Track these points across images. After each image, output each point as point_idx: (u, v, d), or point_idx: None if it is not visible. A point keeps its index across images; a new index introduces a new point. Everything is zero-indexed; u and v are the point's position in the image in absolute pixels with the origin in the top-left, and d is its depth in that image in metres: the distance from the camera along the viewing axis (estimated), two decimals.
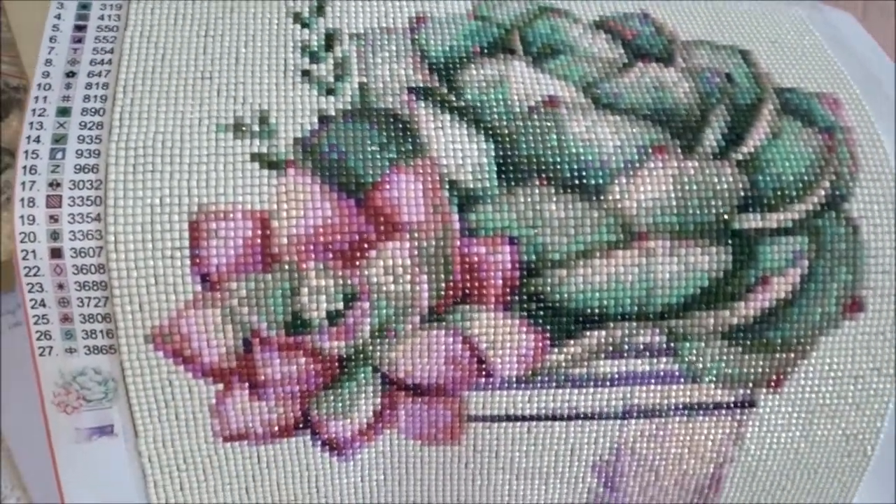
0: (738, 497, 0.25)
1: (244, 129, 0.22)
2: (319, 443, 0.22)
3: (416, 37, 0.24)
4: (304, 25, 0.24)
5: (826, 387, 0.24)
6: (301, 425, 0.22)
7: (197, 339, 0.21)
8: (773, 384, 0.24)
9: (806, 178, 0.24)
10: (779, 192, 0.23)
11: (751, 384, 0.24)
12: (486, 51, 0.24)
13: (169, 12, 0.24)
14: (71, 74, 0.22)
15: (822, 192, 0.24)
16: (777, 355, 0.23)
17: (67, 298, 0.20)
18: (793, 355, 0.23)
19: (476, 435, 0.23)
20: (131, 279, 0.20)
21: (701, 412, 0.24)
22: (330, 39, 0.24)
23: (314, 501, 0.23)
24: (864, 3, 0.35)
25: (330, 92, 0.23)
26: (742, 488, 0.25)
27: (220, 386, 0.21)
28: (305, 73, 0.23)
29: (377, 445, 0.23)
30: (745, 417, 0.24)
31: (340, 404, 0.22)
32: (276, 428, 0.22)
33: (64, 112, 0.22)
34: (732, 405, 0.24)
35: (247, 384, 0.21)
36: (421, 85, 0.23)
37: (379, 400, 0.22)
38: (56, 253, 0.20)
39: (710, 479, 0.25)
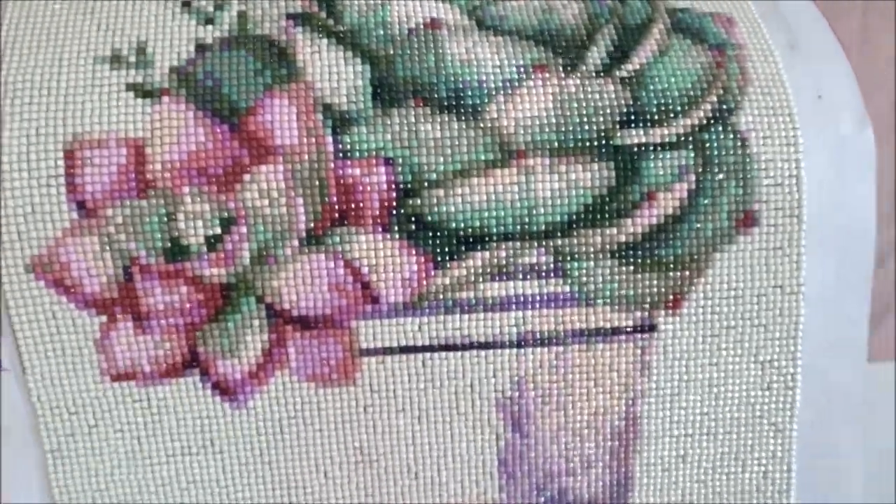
0: (662, 441, 0.25)
1: (121, 59, 0.22)
2: (210, 385, 0.22)
3: None
4: None
5: (727, 307, 0.23)
6: (189, 363, 0.22)
7: (77, 268, 0.21)
8: (670, 305, 0.23)
9: (692, 92, 0.23)
10: (662, 107, 0.23)
11: (647, 306, 0.23)
12: None
13: None
14: None
15: (709, 107, 0.23)
16: (671, 273, 0.23)
17: None
18: (687, 273, 0.23)
19: (371, 372, 0.23)
20: (9, 208, 0.21)
21: (599, 338, 0.23)
22: None
23: (209, 454, 0.23)
24: (864, 3, 0.34)
25: (209, 21, 0.23)
26: (663, 428, 0.24)
27: (104, 318, 0.21)
28: (186, 3, 0.23)
29: (269, 391, 0.23)
30: (647, 343, 0.24)
31: (227, 340, 0.22)
32: (164, 366, 0.22)
33: None
34: (631, 329, 0.23)
35: (130, 316, 0.21)
36: (300, 11, 0.23)
37: (266, 336, 0.22)
38: None
39: (625, 419, 0.24)
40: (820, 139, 0.24)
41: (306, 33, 0.23)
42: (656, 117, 0.23)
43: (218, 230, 0.21)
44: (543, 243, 0.22)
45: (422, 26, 0.23)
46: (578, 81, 0.23)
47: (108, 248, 0.21)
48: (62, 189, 0.21)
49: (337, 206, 0.22)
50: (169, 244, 0.21)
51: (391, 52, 0.23)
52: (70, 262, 0.21)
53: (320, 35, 0.23)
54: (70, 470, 0.23)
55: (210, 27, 0.23)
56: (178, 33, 0.23)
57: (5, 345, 0.22)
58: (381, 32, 0.23)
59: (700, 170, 0.23)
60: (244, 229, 0.22)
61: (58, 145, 0.21)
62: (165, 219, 0.21)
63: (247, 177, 0.22)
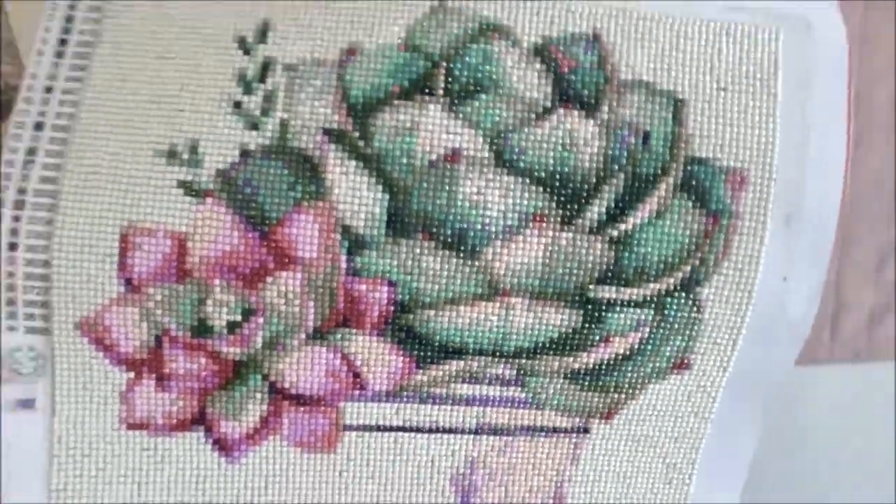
0: None
1: (176, 155, 0.25)
2: (211, 441, 0.27)
3: (343, 72, 0.26)
4: (246, 52, 0.26)
5: (650, 421, 0.28)
6: (197, 421, 0.26)
7: (116, 331, 0.25)
8: (604, 416, 0.28)
9: (670, 261, 0.26)
10: (639, 271, 0.26)
11: (586, 415, 0.28)
12: (405, 91, 0.26)
13: (140, 30, 0.26)
14: (49, 90, 0.25)
15: (680, 276, 0.26)
16: (610, 395, 0.28)
17: (14, 285, 0.25)
18: (623, 396, 0.28)
19: (350, 443, 0.27)
20: (68, 276, 0.25)
21: (543, 433, 0.28)
22: (265, 69, 0.26)
23: (200, 502, 0.27)
24: (864, 3, 0.34)
25: (254, 127, 0.25)
26: None
27: (132, 374, 0.26)
28: (237, 104, 0.25)
29: (261, 451, 0.27)
30: (580, 441, 0.28)
31: (232, 405, 0.26)
32: (175, 420, 0.26)
33: (38, 127, 0.25)
34: (569, 430, 0.28)
35: (154, 375, 0.26)
36: (335, 127, 0.25)
37: (266, 406, 0.26)
38: (13, 247, 0.25)
39: (554, 498, 0.29)
40: (766, 318, 0.27)
41: (338, 151, 0.25)
42: (630, 279, 0.26)
43: (239, 318, 0.26)
44: (510, 361, 0.27)
45: (441, 159, 0.25)
46: (571, 236, 0.26)
47: (145, 318, 0.25)
48: (114, 266, 0.25)
49: (342, 312, 0.26)
50: (196, 323, 0.25)
51: (410, 183, 0.25)
52: (112, 325, 0.25)
53: (350, 156, 0.25)
54: None
55: (255, 133, 0.25)
56: (226, 135, 0.25)
57: (43, 389, 0.26)
58: (405, 161, 0.25)
59: (655, 324, 0.26)
60: (261, 320, 0.26)
61: (115, 229, 0.25)
62: (196, 303, 0.25)
63: (269, 278, 0.25)
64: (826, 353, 0.33)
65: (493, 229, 0.25)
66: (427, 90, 0.26)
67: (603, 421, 0.28)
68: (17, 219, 0.25)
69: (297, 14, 0.26)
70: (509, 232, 0.26)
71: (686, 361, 0.27)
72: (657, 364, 0.27)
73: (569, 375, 0.27)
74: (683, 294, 0.26)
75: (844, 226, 0.32)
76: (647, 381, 0.27)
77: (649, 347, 0.27)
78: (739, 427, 0.29)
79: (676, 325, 0.27)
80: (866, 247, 0.33)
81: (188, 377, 0.26)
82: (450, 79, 0.26)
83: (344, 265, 0.25)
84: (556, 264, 0.26)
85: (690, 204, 0.26)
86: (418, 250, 0.25)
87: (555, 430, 0.28)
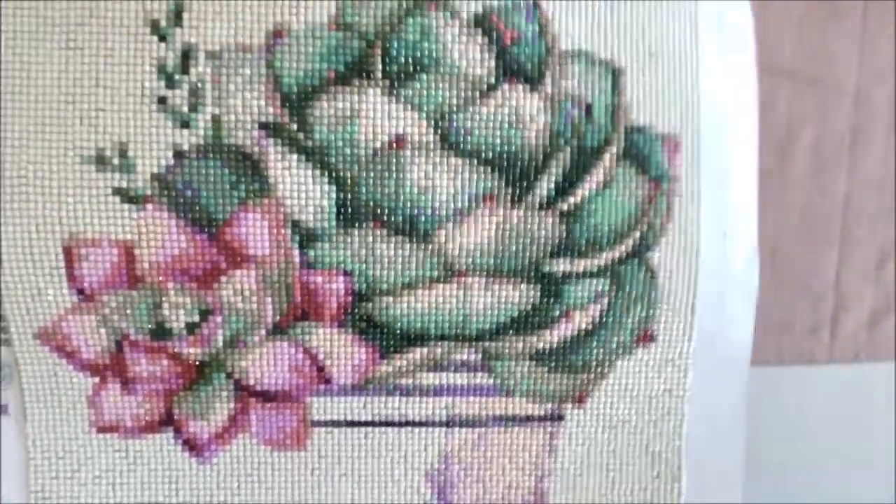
0: None
1: (105, 161, 0.24)
2: (181, 441, 0.27)
3: (272, 58, 0.24)
4: (162, 38, 0.24)
5: (624, 404, 0.28)
6: (165, 422, 0.27)
7: (76, 339, 0.25)
8: (576, 400, 0.28)
9: (619, 229, 0.26)
10: (591, 242, 0.26)
11: (557, 400, 0.28)
12: (341, 75, 0.25)
13: (31, 14, 0.24)
14: None
15: (631, 243, 0.26)
16: (579, 375, 0.28)
17: None
18: (592, 376, 0.28)
19: (320, 440, 0.28)
20: (18, 291, 0.25)
21: (516, 424, 0.28)
22: (186, 59, 0.24)
23: (174, 502, 0.28)
24: (864, 3, 0.34)
25: (185, 125, 0.24)
26: None
27: (97, 379, 0.26)
28: (162, 99, 0.24)
29: (232, 450, 0.27)
30: (555, 430, 0.28)
31: (198, 405, 0.26)
32: (143, 422, 0.27)
33: None
34: (543, 417, 0.28)
35: (118, 379, 0.26)
36: (272, 120, 0.24)
37: (232, 405, 0.27)
38: None
39: (534, 494, 0.29)
40: (716, 274, 0.27)
41: (277, 146, 0.24)
42: (583, 250, 0.26)
43: (197, 318, 0.25)
44: (474, 345, 0.27)
45: (386, 146, 0.25)
46: (522, 213, 0.26)
47: (103, 325, 0.25)
48: (63, 278, 0.24)
49: (301, 306, 0.26)
50: (154, 326, 0.25)
51: (356, 174, 0.25)
52: (71, 333, 0.25)
53: (290, 150, 0.24)
54: None
55: (186, 131, 0.24)
56: (156, 136, 0.24)
57: (14, 395, 0.26)
58: (349, 151, 0.25)
59: (613, 294, 0.27)
60: (220, 319, 0.26)
61: (56, 242, 0.24)
62: (152, 306, 0.25)
63: (223, 278, 0.25)
64: (826, 353, 0.34)
65: (444, 212, 0.25)
66: (364, 73, 0.25)
67: (576, 405, 0.28)
68: None
69: None
70: (460, 214, 0.25)
71: (649, 332, 0.27)
72: (621, 337, 0.27)
73: (534, 356, 0.27)
74: (636, 260, 0.27)
75: (844, 226, 0.34)
76: (613, 356, 0.27)
77: (611, 319, 0.27)
78: (723, 410, 0.29)
79: (634, 294, 0.27)
80: (866, 247, 0.34)
81: (152, 380, 0.26)
82: (387, 59, 0.25)
83: (297, 259, 0.25)
84: (509, 242, 0.26)
85: (633, 171, 0.26)
86: (371, 239, 0.25)
87: (528, 418, 0.28)
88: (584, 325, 0.27)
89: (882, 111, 0.34)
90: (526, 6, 0.26)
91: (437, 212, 0.25)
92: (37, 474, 0.27)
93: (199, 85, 0.24)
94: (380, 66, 0.25)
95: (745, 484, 0.29)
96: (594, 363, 0.27)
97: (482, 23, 0.25)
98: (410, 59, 0.25)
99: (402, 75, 0.25)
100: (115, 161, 0.24)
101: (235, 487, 0.28)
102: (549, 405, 0.28)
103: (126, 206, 0.24)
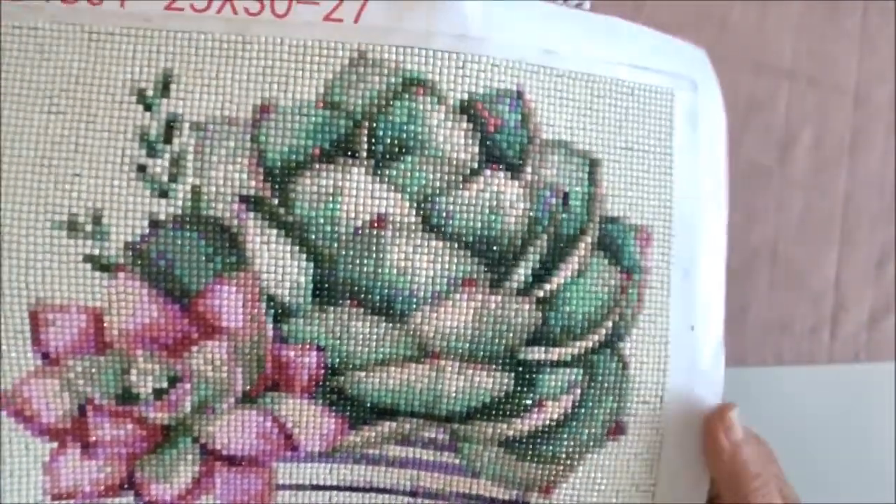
0: None
1: (77, 228, 0.23)
2: (142, 503, 0.26)
3: (257, 132, 0.24)
4: (147, 108, 0.24)
5: (591, 497, 0.28)
6: (126, 485, 0.26)
7: (37, 402, 0.25)
8: (543, 490, 0.28)
9: (593, 317, 0.26)
10: (566, 330, 0.26)
11: (524, 488, 0.28)
12: (326, 153, 0.24)
13: (15, 76, 0.23)
14: None
15: (604, 332, 0.26)
16: (548, 466, 0.27)
17: None
18: (562, 468, 0.28)
19: (285, 501, 0.27)
20: None
21: (479, 503, 0.28)
22: (170, 129, 0.24)
23: None
24: (864, 3, 0.35)
25: (163, 194, 0.24)
26: None
27: (55, 444, 0.25)
28: (141, 168, 0.24)
29: None
30: None
31: (162, 468, 0.26)
32: (104, 487, 0.26)
33: None
34: (507, 502, 0.28)
35: (79, 444, 0.25)
36: (253, 193, 0.24)
37: (198, 468, 0.26)
38: None
39: None
40: (684, 369, 0.27)
41: (257, 220, 0.24)
42: (558, 338, 0.26)
43: (165, 385, 0.25)
44: (443, 425, 0.27)
45: (367, 225, 0.24)
46: (499, 299, 0.25)
47: (66, 389, 0.25)
48: (28, 342, 0.24)
49: (271, 377, 0.25)
50: (121, 391, 0.25)
51: (335, 251, 0.24)
52: (32, 397, 0.25)
53: (270, 224, 0.24)
54: None
55: (164, 201, 0.24)
56: (132, 205, 0.23)
57: None
58: (329, 229, 0.24)
59: (586, 385, 0.27)
60: (188, 386, 0.25)
61: (22, 307, 0.24)
62: (120, 372, 0.25)
63: (194, 347, 0.25)
64: (826, 353, 0.34)
65: (422, 294, 0.25)
66: (349, 152, 0.24)
67: (542, 495, 0.28)
68: None
69: (201, 63, 0.24)
70: (438, 296, 0.25)
71: (620, 425, 0.27)
72: (592, 429, 0.27)
73: (504, 443, 0.27)
74: (608, 350, 0.27)
75: (844, 226, 0.34)
76: (584, 449, 0.27)
77: (583, 411, 0.27)
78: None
79: (606, 384, 0.27)
80: (866, 247, 0.34)
81: (115, 443, 0.26)
82: (373, 139, 0.24)
83: (271, 333, 0.25)
84: (485, 327, 0.26)
85: (607, 262, 0.26)
86: (346, 316, 0.25)
87: (492, 500, 0.28)
88: (556, 416, 0.27)
89: (882, 111, 0.35)
90: (510, 96, 0.26)
91: (415, 293, 0.25)
92: None
93: (181, 155, 0.24)
94: (365, 146, 0.24)
95: None
96: (564, 455, 0.27)
97: (467, 109, 0.25)
98: (396, 141, 0.24)
99: (387, 156, 0.24)
100: (88, 228, 0.24)
101: None
102: (516, 492, 0.28)
103: (97, 273, 0.24)
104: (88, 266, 0.24)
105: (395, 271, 0.25)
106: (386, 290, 0.25)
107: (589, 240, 0.26)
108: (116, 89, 0.24)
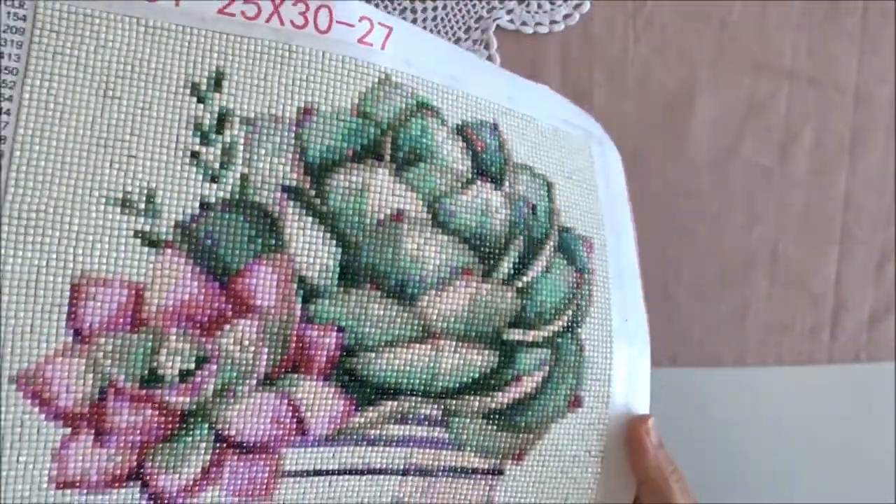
0: None
1: (130, 205, 0.25)
2: (146, 496, 0.26)
3: (301, 131, 0.28)
4: (200, 100, 0.26)
5: (554, 462, 0.33)
6: (134, 476, 0.26)
7: (57, 385, 0.24)
8: (516, 457, 0.32)
9: (558, 306, 0.32)
10: (538, 316, 0.31)
11: (500, 456, 0.32)
12: (357, 154, 0.28)
13: (70, 60, 0.25)
14: None
15: (566, 318, 0.32)
16: (521, 434, 0.32)
17: None
18: (532, 436, 0.32)
19: (286, 489, 0.28)
20: (9, 327, 0.24)
21: (462, 475, 0.31)
22: (221, 121, 0.26)
23: None
24: (864, 3, 0.35)
25: (214, 179, 0.26)
26: None
27: (68, 430, 0.25)
28: (195, 154, 0.26)
29: (198, 503, 0.27)
30: (494, 483, 0.32)
31: (173, 458, 0.26)
32: (111, 477, 0.25)
33: None
34: (486, 471, 0.32)
35: (93, 431, 0.25)
36: (294, 184, 0.27)
37: (209, 457, 0.27)
38: None
39: None
40: (623, 352, 0.34)
41: (296, 208, 0.27)
42: (533, 322, 0.31)
43: (192, 366, 0.26)
44: (437, 401, 0.30)
45: (388, 219, 0.28)
46: (490, 287, 0.30)
47: (91, 370, 0.25)
48: (63, 317, 0.24)
49: (293, 358, 0.27)
50: (147, 372, 0.25)
51: (360, 239, 0.28)
52: (53, 378, 0.24)
53: (307, 213, 0.27)
54: None
55: (214, 185, 0.26)
56: (185, 187, 0.26)
57: None
58: (356, 220, 0.28)
59: (552, 363, 0.32)
60: (214, 367, 0.26)
61: (65, 279, 0.24)
62: (150, 351, 0.25)
63: (227, 326, 0.26)
64: (826, 353, 0.34)
65: (430, 280, 0.29)
66: (376, 155, 0.29)
67: (515, 462, 0.32)
68: None
69: (250, 65, 0.27)
70: (442, 283, 0.29)
71: (578, 398, 0.33)
72: (557, 402, 0.32)
73: (486, 415, 0.31)
74: (569, 335, 0.32)
75: (844, 226, 0.34)
76: (549, 419, 0.32)
77: (549, 385, 0.32)
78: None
79: (567, 363, 0.32)
80: (866, 247, 0.34)
81: (130, 431, 0.25)
82: (395, 146, 0.29)
83: (299, 313, 0.27)
84: (478, 310, 0.30)
85: (566, 262, 0.33)
86: (365, 298, 0.28)
87: (473, 471, 0.31)
88: (529, 389, 0.32)
89: (882, 111, 0.35)
90: (489, 127, 0.32)
91: (424, 279, 0.29)
92: None
93: (232, 146, 0.26)
94: (389, 151, 0.29)
95: (745, 484, 0.29)
96: (534, 424, 0.32)
97: (461, 132, 0.31)
98: (412, 149, 0.29)
99: (406, 161, 0.29)
100: (141, 206, 0.25)
101: None
102: (493, 460, 0.32)
103: (145, 249, 0.25)
104: (137, 241, 0.25)
105: (408, 259, 0.29)
106: (400, 276, 0.29)
107: (552, 243, 0.32)
108: (171, 81, 0.26)
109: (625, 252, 0.36)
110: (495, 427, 0.31)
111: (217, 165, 0.26)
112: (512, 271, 0.31)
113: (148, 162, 0.25)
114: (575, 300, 0.33)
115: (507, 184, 0.32)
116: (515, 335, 0.31)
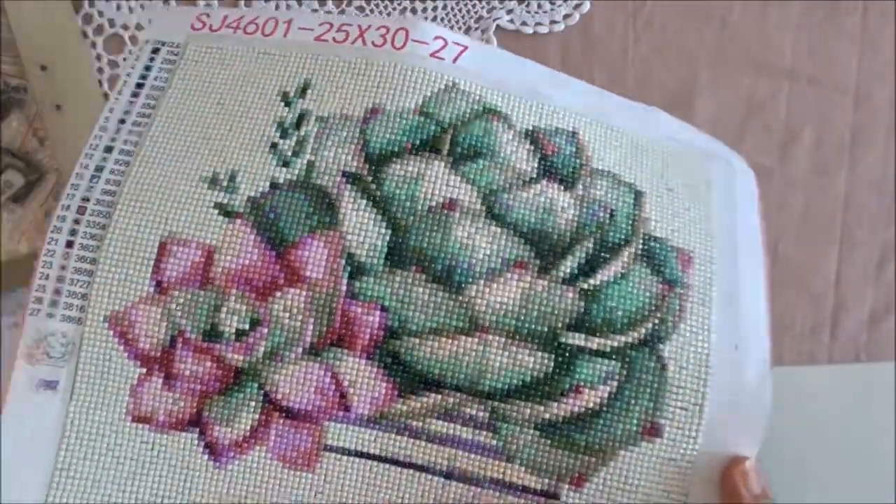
0: None
1: (217, 182, 0.30)
2: (203, 443, 0.29)
3: (366, 127, 0.31)
4: (287, 104, 0.31)
5: (621, 497, 0.28)
6: (193, 422, 0.29)
7: (139, 328, 0.29)
8: (574, 482, 0.28)
9: (633, 316, 0.29)
10: (606, 323, 0.29)
11: (556, 476, 0.28)
12: (416, 148, 0.30)
13: (201, 80, 0.32)
14: (122, 122, 0.31)
15: (643, 331, 0.29)
16: (580, 456, 0.28)
17: (63, 277, 0.29)
18: (594, 460, 0.28)
19: (329, 465, 0.29)
20: (109, 273, 0.29)
21: (511, 492, 0.28)
22: (301, 119, 0.31)
23: (185, 501, 0.28)
24: (864, 4, 0.35)
25: (285, 164, 0.30)
26: None
27: (144, 370, 0.29)
28: (274, 145, 0.30)
29: (247, 460, 0.29)
30: None
31: (227, 411, 0.29)
32: (175, 419, 0.29)
33: (108, 150, 0.31)
34: (539, 492, 0.28)
35: (163, 374, 0.29)
36: (353, 171, 0.30)
37: (258, 416, 0.29)
38: (69, 245, 0.29)
39: None
40: (727, 385, 0.28)
41: (352, 191, 0.30)
42: (598, 328, 0.28)
43: (247, 326, 0.29)
44: (484, 402, 0.28)
45: (440, 206, 0.29)
46: (546, 283, 0.29)
47: (165, 318, 0.29)
48: (150, 269, 0.29)
49: (338, 331, 0.29)
50: (209, 327, 0.29)
51: (410, 222, 0.29)
52: (136, 321, 0.29)
53: (362, 195, 0.30)
54: (69, 489, 0.28)
55: (285, 169, 0.30)
56: (261, 170, 0.30)
57: (67, 374, 0.29)
58: (408, 205, 0.29)
59: (622, 379, 0.28)
60: (266, 330, 0.29)
61: (156, 237, 0.29)
62: (212, 308, 0.29)
63: (278, 293, 0.29)
64: (826, 353, 0.34)
65: (479, 269, 0.29)
66: (434, 150, 0.30)
67: (573, 488, 0.28)
68: (77, 222, 0.29)
69: (333, 76, 0.32)
70: (492, 273, 0.29)
71: (655, 426, 0.28)
72: (627, 425, 0.28)
73: (539, 426, 0.28)
74: (647, 349, 0.29)
75: (844, 226, 0.34)
76: (617, 445, 0.28)
77: (618, 404, 0.28)
78: None
79: (643, 382, 0.28)
80: (866, 247, 0.34)
81: (192, 379, 0.29)
82: (455, 143, 0.30)
83: (344, 287, 0.29)
84: (531, 307, 0.29)
85: (648, 271, 0.30)
86: (410, 280, 0.29)
87: (524, 489, 0.28)
88: (591, 404, 0.28)
89: (882, 111, 0.35)
90: (566, 134, 0.32)
91: (472, 267, 0.29)
92: (67, 451, 0.29)
93: (305, 138, 0.30)
94: (447, 147, 0.30)
95: None
96: (597, 446, 0.28)
97: (531, 135, 0.31)
98: (472, 147, 0.30)
99: (464, 157, 0.30)
100: (224, 183, 0.30)
101: (243, 496, 0.29)
102: (547, 480, 0.28)
103: (221, 217, 0.29)
104: (216, 211, 0.29)
105: (457, 245, 0.29)
106: (448, 262, 0.29)
107: (632, 250, 0.30)
108: (268, 91, 0.31)
109: (743, 277, 0.31)
110: (549, 442, 0.28)
111: (290, 154, 0.30)
112: (576, 272, 0.29)
113: (237, 151, 0.30)
114: (657, 313, 0.29)
115: (579, 187, 0.31)
116: (575, 339, 0.28)
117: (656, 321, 0.29)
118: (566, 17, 0.37)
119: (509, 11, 0.37)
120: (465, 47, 0.32)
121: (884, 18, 0.36)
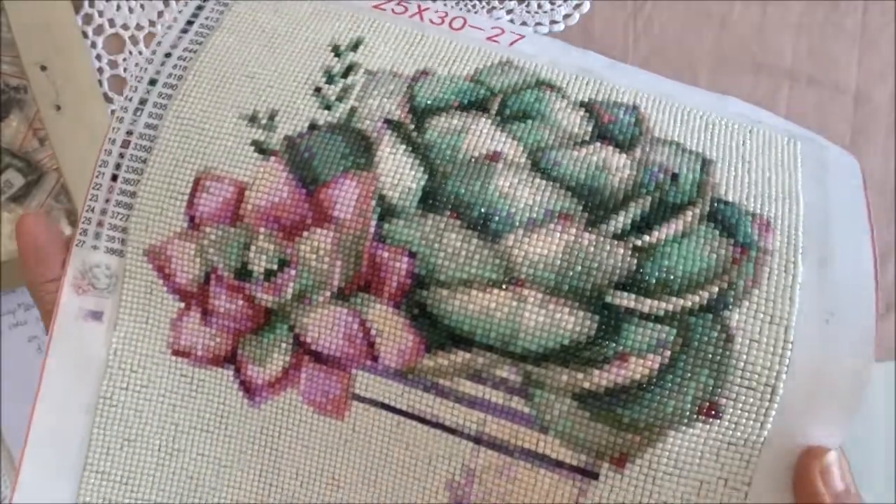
0: None
1: (256, 120, 0.29)
2: (238, 381, 0.28)
3: (415, 84, 0.29)
4: (337, 55, 0.30)
5: (669, 482, 0.24)
6: (229, 359, 0.28)
7: (175, 262, 0.28)
8: (615, 461, 0.25)
9: (695, 279, 0.25)
10: (661, 283, 0.25)
11: (594, 454, 0.25)
12: (463, 106, 0.29)
13: (253, 24, 0.32)
14: (168, 55, 0.31)
15: (706, 295, 0.25)
16: (623, 433, 0.25)
17: (106, 209, 0.29)
18: (639, 438, 0.25)
19: (357, 415, 0.27)
20: (147, 207, 0.29)
21: (545, 465, 0.26)
22: (349, 69, 0.30)
23: (221, 436, 0.29)
24: (864, 3, 0.36)
25: (327, 108, 0.29)
26: None
27: (183, 304, 0.28)
28: (318, 89, 0.30)
29: (279, 401, 0.28)
30: (585, 487, 0.25)
31: (259, 350, 0.28)
32: (212, 355, 0.28)
33: (153, 82, 0.31)
34: (575, 468, 0.25)
35: (200, 309, 0.28)
36: (396, 119, 0.28)
37: (288, 358, 0.27)
38: (114, 178, 0.29)
39: None
40: (813, 364, 0.24)
41: (392, 136, 0.28)
42: (652, 289, 0.25)
43: (275, 266, 0.28)
44: (517, 364, 0.25)
45: (483, 157, 0.27)
46: (594, 238, 0.26)
47: (199, 254, 0.28)
48: (184, 203, 0.28)
49: (365, 276, 0.27)
50: (239, 265, 0.28)
51: (448, 169, 0.27)
52: (172, 256, 0.28)
53: (401, 141, 0.28)
54: (112, 416, 0.29)
55: (326, 112, 0.29)
56: (301, 112, 0.29)
57: (111, 305, 0.29)
58: (449, 153, 0.27)
59: (678, 349, 0.24)
60: (293, 272, 0.27)
61: (192, 172, 0.29)
62: (242, 246, 0.28)
63: (305, 233, 0.27)
64: None
65: (518, 219, 0.26)
66: (482, 109, 0.28)
67: (614, 467, 0.25)
68: (121, 155, 0.30)
69: (387, 40, 0.31)
70: (533, 223, 0.26)
71: (715, 406, 0.24)
72: (680, 402, 0.24)
73: (578, 396, 0.25)
74: (710, 316, 0.25)
75: None
76: (667, 423, 0.24)
77: (671, 378, 0.24)
78: None
79: (703, 354, 0.24)
80: None
81: (227, 316, 0.28)
82: (503, 105, 0.29)
83: (373, 230, 0.27)
84: (575, 261, 0.25)
85: (717, 232, 0.26)
86: (443, 226, 0.26)
87: (558, 464, 0.25)
88: (639, 376, 0.24)
89: (882, 111, 0.35)
90: (626, 107, 0.29)
91: (511, 216, 0.26)
92: (110, 381, 0.29)
93: (351, 86, 0.29)
94: (496, 108, 0.28)
95: None
96: (643, 424, 0.24)
97: (587, 105, 0.29)
98: (521, 110, 0.28)
99: (512, 116, 0.28)
100: (264, 121, 0.29)
101: (276, 437, 0.28)
102: (584, 457, 0.25)
103: (256, 155, 0.28)
104: (252, 149, 0.29)
105: (497, 193, 0.27)
106: (485, 209, 0.26)
107: (697, 211, 0.26)
108: (321, 40, 0.31)
109: (842, 247, 0.26)
110: (588, 414, 0.25)
111: (333, 98, 0.29)
112: (628, 228, 0.26)
113: (280, 91, 0.30)
114: (725, 276, 0.25)
115: (638, 150, 0.28)
116: (624, 300, 0.25)
117: (724, 285, 0.25)
118: (566, 17, 0.37)
119: (509, 11, 0.37)
120: (522, 36, 0.31)
121: (884, 18, 0.36)
